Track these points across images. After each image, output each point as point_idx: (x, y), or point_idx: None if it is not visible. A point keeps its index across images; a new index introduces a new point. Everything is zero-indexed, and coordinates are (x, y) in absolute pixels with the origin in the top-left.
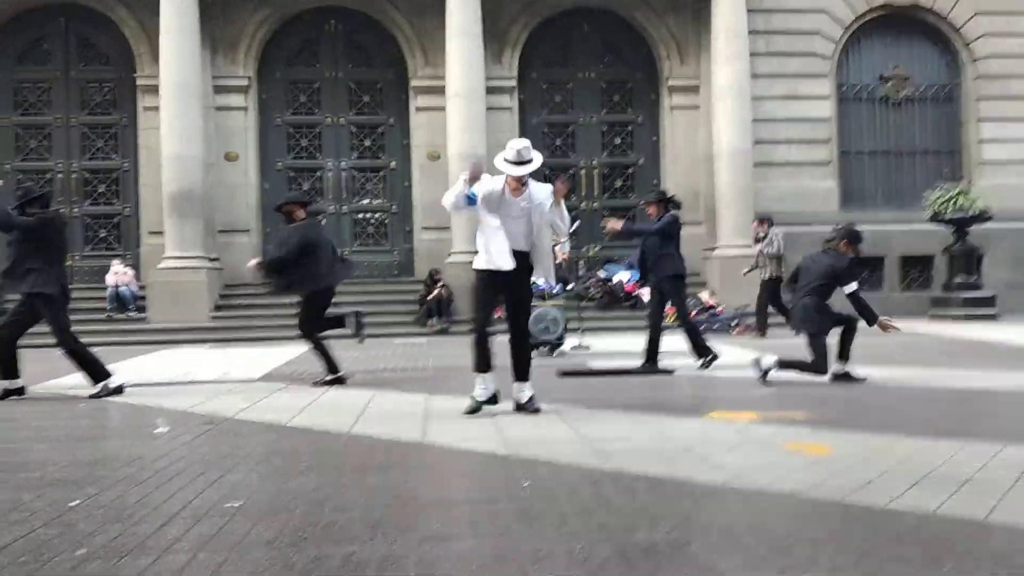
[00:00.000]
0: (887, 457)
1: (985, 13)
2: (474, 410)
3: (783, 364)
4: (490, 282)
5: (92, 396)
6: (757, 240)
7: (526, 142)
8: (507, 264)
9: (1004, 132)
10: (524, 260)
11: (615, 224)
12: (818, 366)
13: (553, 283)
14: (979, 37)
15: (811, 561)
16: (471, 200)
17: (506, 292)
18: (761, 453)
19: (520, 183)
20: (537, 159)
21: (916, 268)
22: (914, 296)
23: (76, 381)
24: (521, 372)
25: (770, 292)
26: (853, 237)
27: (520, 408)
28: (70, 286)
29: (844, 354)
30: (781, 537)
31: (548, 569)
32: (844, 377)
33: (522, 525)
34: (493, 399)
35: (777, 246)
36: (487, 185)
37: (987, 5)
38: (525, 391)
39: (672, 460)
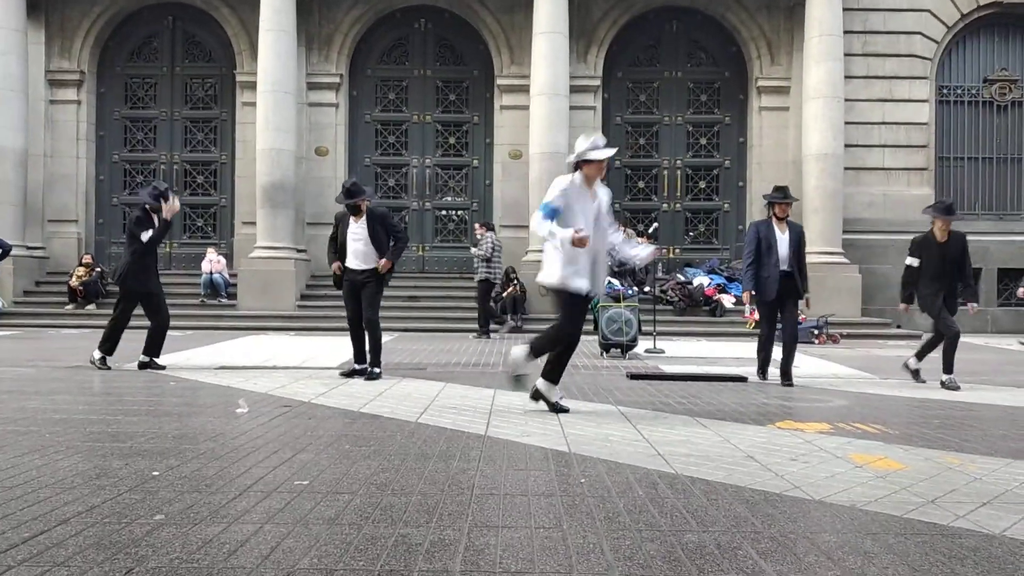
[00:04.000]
0: (958, 475)
1: None
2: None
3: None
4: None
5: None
6: (475, 244)
7: (601, 136)
8: (584, 286)
9: None
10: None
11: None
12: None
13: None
14: None
15: (860, 573)
16: (552, 214)
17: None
18: (826, 464)
19: (599, 174)
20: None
21: (1015, 282)
22: (1013, 311)
23: (170, 361)
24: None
25: (481, 293)
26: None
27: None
28: (171, 271)
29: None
30: (833, 547)
31: (593, 562)
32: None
33: (573, 519)
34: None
35: (485, 249)
36: (564, 184)
37: None
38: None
39: (732, 467)
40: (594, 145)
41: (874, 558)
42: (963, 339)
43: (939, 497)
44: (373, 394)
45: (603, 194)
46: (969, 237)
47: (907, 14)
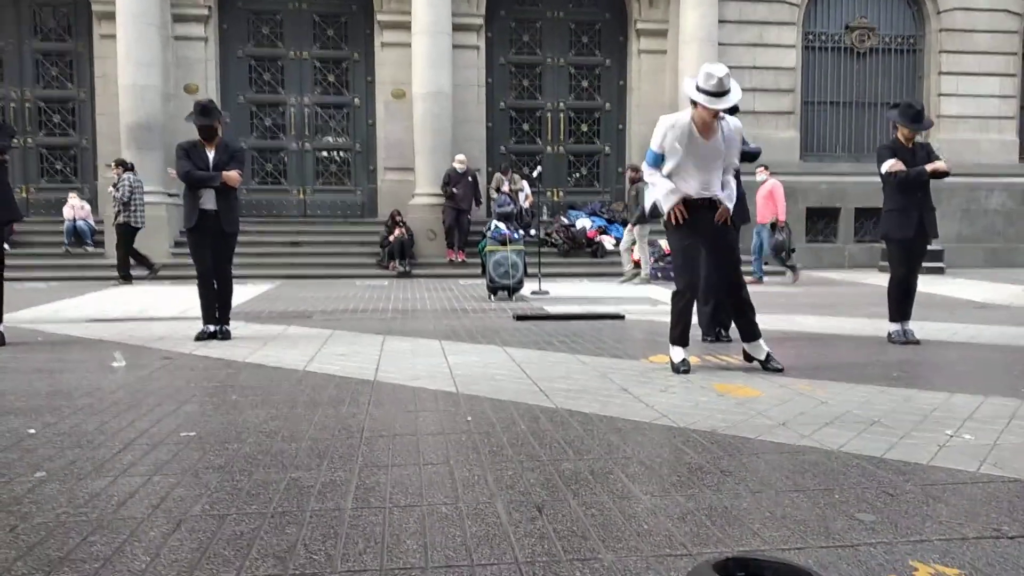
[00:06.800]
0: (808, 400)
1: None
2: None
3: None
4: (687, 234)
5: None
6: (114, 185)
7: (725, 68)
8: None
9: (963, 86)
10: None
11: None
12: None
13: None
14: None
15: (716, 488)
16: (656, 162)
17: (703, 244)
18: (692, 394)
19: (715, 119)
20: (736, 91)
21: (870, 220)
22: (867, 248)
23: (34, 315)
24: (749, 333)
25: (122, 238)
26: None
27: (764, 366)
28: (30, 218)
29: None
30: (694, 468)
31: (478, 492)
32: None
33: (459, 455)
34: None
35: (122, 192)
36: (667, 127)
37: None
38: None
39: (607, 399)
40: (705, 85)
41: (729, 475)
42: (821, 274)
43: (789, 420)
44: (258, 343)
45: (727, 132)
46: (829, 179)
47: None
